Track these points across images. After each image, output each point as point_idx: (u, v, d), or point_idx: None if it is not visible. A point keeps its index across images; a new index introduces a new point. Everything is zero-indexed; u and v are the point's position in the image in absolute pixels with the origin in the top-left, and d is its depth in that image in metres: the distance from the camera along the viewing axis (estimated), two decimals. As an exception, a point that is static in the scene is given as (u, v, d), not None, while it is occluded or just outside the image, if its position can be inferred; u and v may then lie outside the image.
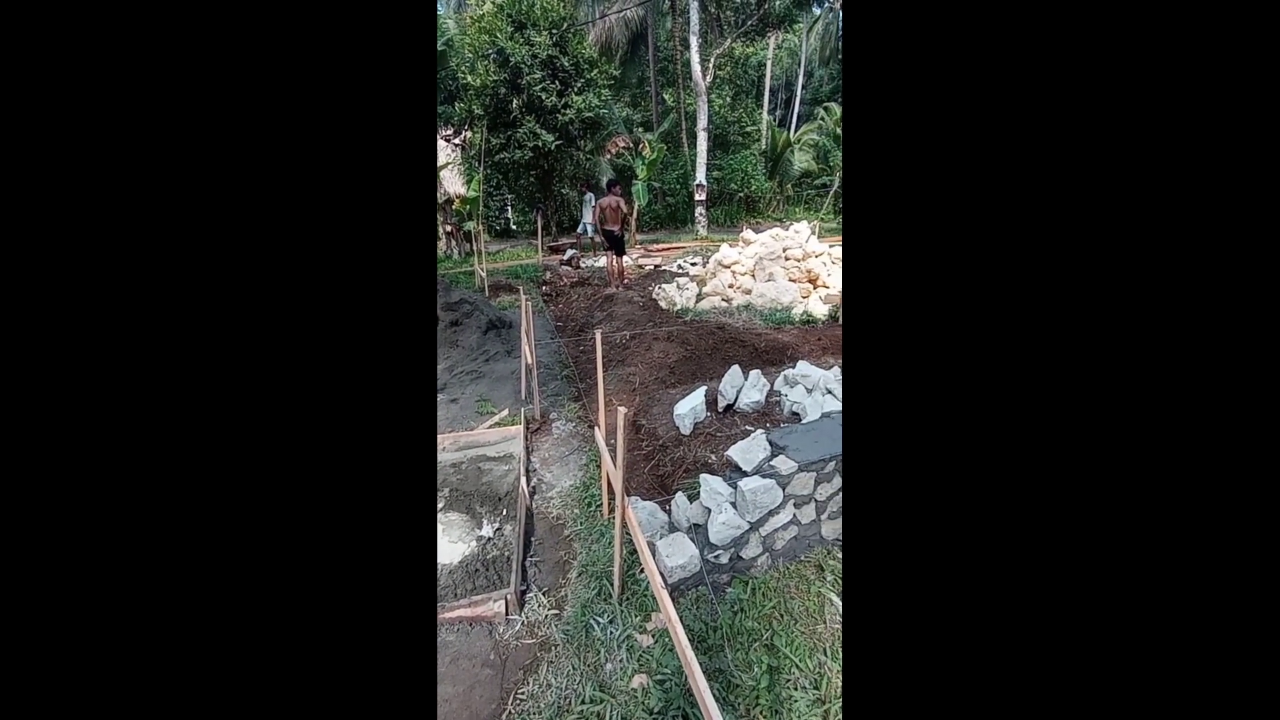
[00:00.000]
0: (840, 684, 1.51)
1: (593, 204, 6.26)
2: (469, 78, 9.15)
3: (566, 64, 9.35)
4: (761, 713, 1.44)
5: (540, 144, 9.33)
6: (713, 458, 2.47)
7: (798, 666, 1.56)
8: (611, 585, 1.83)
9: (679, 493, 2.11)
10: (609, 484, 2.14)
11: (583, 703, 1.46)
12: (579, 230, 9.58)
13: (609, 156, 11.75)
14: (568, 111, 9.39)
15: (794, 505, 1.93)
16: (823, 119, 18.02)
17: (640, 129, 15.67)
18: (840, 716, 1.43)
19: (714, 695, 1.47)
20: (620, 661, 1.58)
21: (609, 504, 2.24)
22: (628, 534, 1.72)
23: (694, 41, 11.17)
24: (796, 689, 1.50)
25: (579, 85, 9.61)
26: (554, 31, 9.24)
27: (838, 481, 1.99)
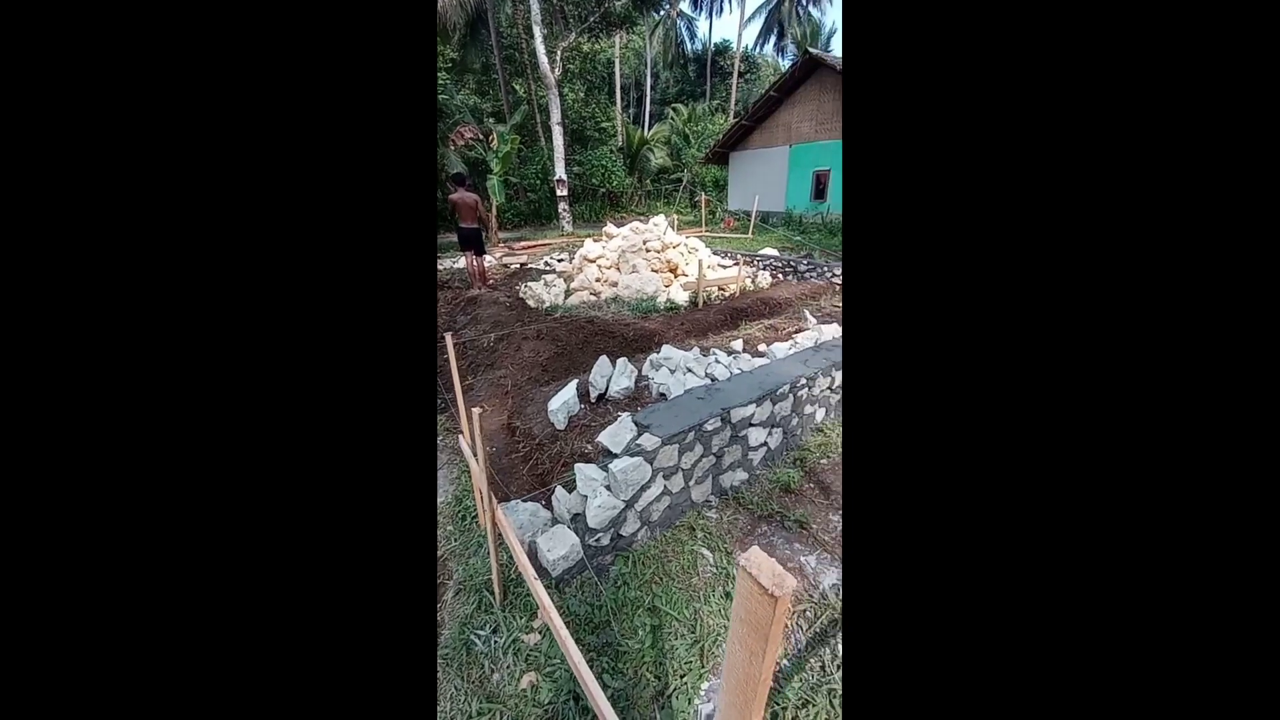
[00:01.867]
0: (713, 622, 1.70)
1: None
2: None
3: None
4: (648, 669, 1.55)
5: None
6: (589, 447, 2.53)
7: (676, 619, 1.72)
8: (492, 595, 1.78)
9: (557, 486, 2.13)
10: (479, 490, 2.07)
11: (470, 718, 1.42)
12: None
13: (455, 148, 10.96)
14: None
15: (663, 477, 2.09)
16: (673, 119, 19.24)
17: (491, 119, 14.91)
18: (709, 650, 1.61)
19: (603, 667, 1.55)
20: (508, 668, 1.56)
21: (483, 511, 2.16)
22: (504, 539, 1.70)
23: (538, 31, 10.97)
24: (677, 638, 1.65)
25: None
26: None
27: (699, 449, 2.21)
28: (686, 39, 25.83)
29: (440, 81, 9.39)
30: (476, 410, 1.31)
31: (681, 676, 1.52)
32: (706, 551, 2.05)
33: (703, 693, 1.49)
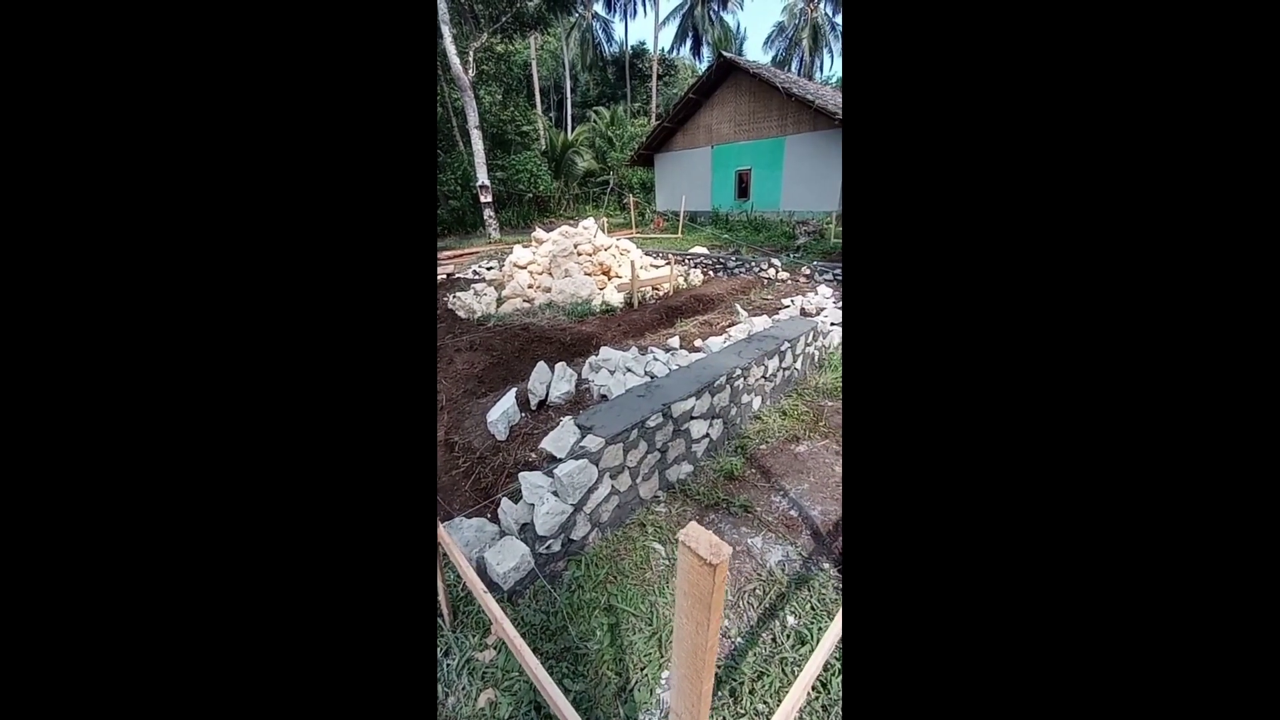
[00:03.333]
0: (669, 613, 1.75)
1: None
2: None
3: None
4: (608, 668, 1.56)
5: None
6: (533, 455, 2.49)
7: (633, 614, 1.74)
8: (441, 618, 1.70)
9: (503, 497, 2.08)
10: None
11: (424, 748, 1.35)
12: None
13: (368, 155, 10.23)
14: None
15: (610, 477, 2.11)
16: (595, 121, 19.27)
17: (403, 124, 14.06)
18: (667, 640, 1.66)
19: (563, 673, 1.54)
20: (463, 689, 1.50)
21: (426, 534, 2.06)
22: (448, 558, 1.63)
23: (446, 31, 10.53)
24: (634, 633, 1.67)
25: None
26: None
27: (644, 446, 2.26)
28: (604, 41, 26.02)
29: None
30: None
31: (642, 669, 1.55)
32: (658, 545, 2.10)
33: (663, 681, 1.53)
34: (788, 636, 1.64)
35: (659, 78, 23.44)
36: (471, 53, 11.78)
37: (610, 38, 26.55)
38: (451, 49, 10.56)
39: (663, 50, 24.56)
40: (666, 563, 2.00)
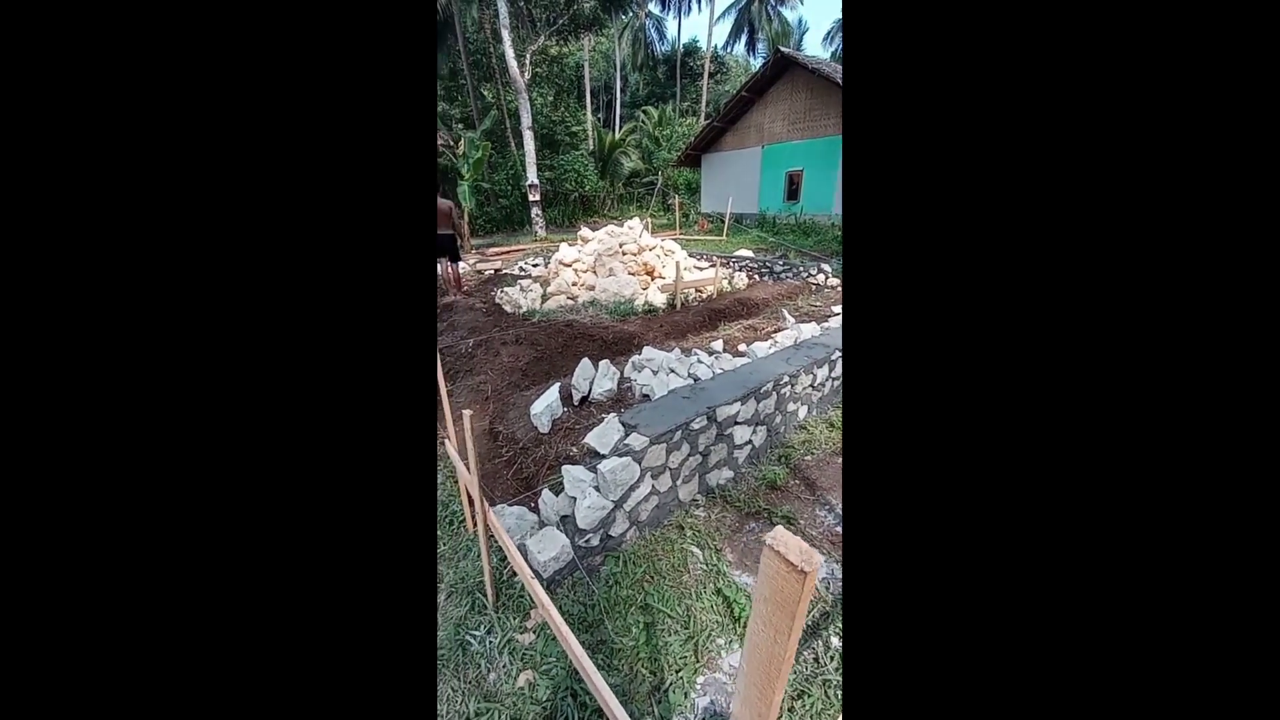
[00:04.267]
0: (706, 619, 1.74)
1: None
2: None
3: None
4: (643, 665, 1.58)
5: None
6: (574, 450, 2.54)
7: (669, 615, 1.75)
8: (485, 597, 1.78)
9: (544, 488, 2.14)
10: (468, 495, 2.06)
11: (467, 718, 1.41)
12: None
13: (428, 153, 10.75)
14: (369, 101, 8.30)
15: (651, 477, 2.13)
16: (643, 121, 19.37)
17: (460, 125, 14.69)
18: (704, 645, 1.66)
19: (598, 664, 1.57)
20: (504, 667, 1.56)
21: (472, 516, 2.15)
22: (495, 541, 1.69)
23: (506, 35, 10.90)
24: (670, 634, 1.68)
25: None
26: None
27: (686, 448, 2.26)
28: (656, 40, 26.06)
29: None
30: (467, 413, 1.31)
31: (677, 671, 1.56)
32: (696, 549, 2.10)
33: (698, 686, 1.53)
34: (831, 658, 1.60)
35: (710, 76, 23.23)
36: (528, 55, 12.13)
37: (663, 36, 26.58)
38: (510, 52, 10.91)
39: (715, 47, 24.31)
40: (704, 568, 2.00)
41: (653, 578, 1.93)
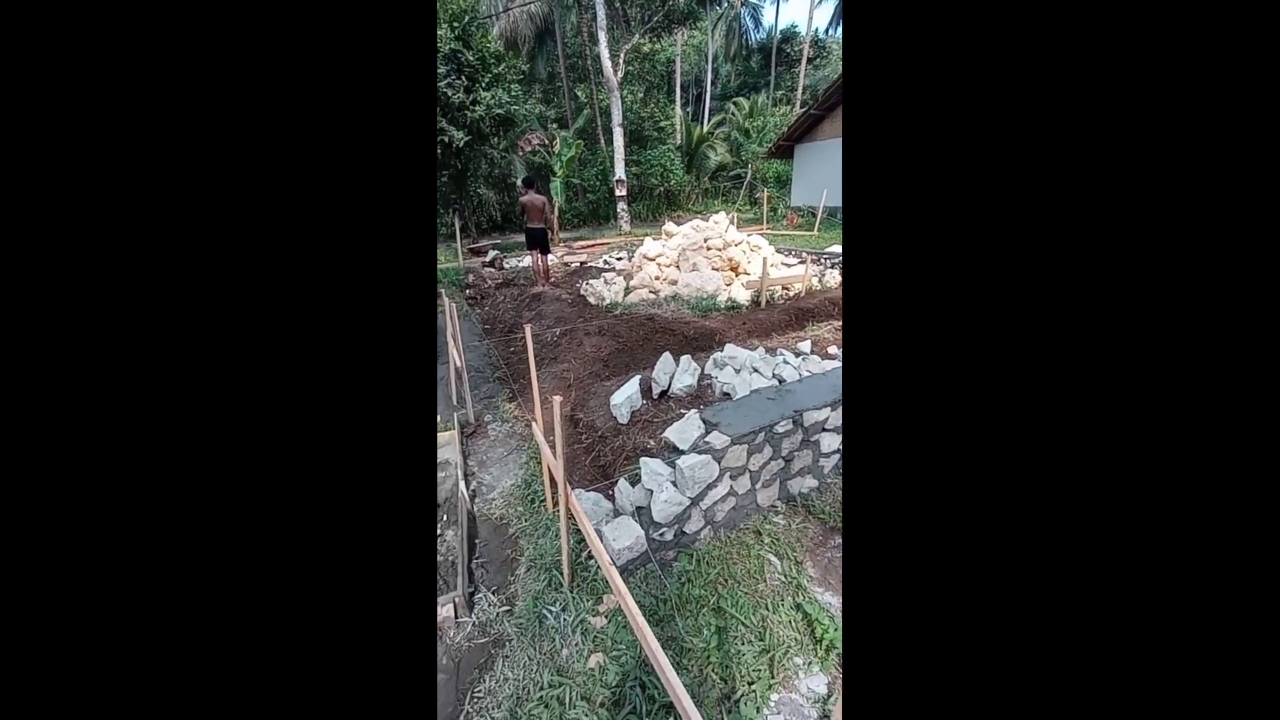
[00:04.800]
0: (783, 634, 1.65)
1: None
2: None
3: (471, 59, 8.97)
4: (713, 670, 1.53)
5: (449, 141, 8.89)
6: (651, 442, 2.55)
7: (743, 624, 1.68)
8: (561, 575, 1.84)
9: (621, 478, 2.16)
10: (550, 477, 2.15)
11: (541, 689, 1.48)
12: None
13: (524, 154, 11.46)
14: (476, 108, 9.02)
15: (730, 477, 2.06)
16: (732, 113, 18.88)
17: (555, 125, 15.40)
18: (780, 661, 1.57)
19: (668, 661, 1.55)
20: (575, 645, 1.61)
21: (553, 497, 2.24)
22: (573, 524, 1.75)
23: (603, 37, 11.18)
24: (744, 643, 1.62)
25: (486, 81, 9.27)
26: (455, 25, 8.81)
27: (768, 451, 2.16)
28: (750, 28, 25.17)
29: (512, 93, 9.85)
30: (557, 399, 1.36)
31: (750, 684, 1.49)
32: (774, 558, 2.00)
33: (772, 704, 1.45)
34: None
35: (809, 61, 21.98)
36: (622, 55, 12.35)
37: (758, 24, 25.61)
38: (605, 53, 11.19)
39: (816, 31, 22.92)
40: (782, 579, 1.89)
41: (726, 581, 1.87)
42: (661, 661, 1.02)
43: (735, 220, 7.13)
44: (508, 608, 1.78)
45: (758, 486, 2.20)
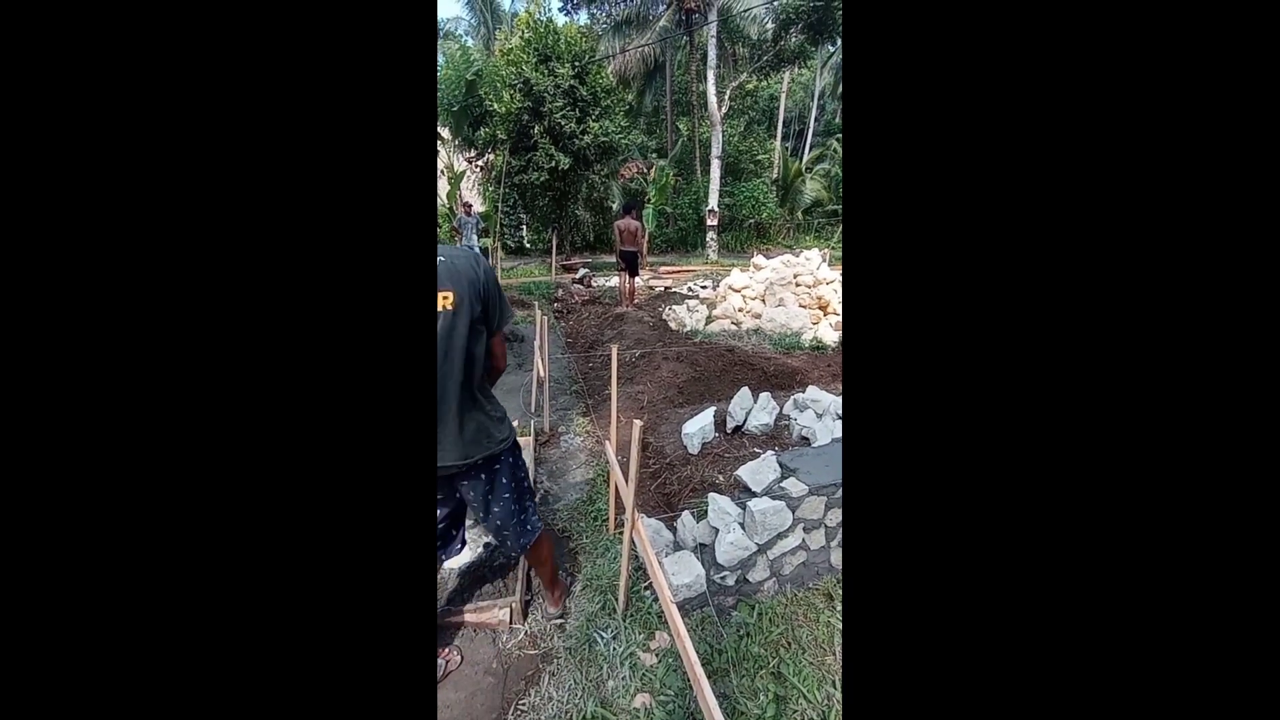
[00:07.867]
0: None
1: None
2: (495, 105, 9.57)
3: (585, 93, 9.73)
4: (767, 741, 1.40)
5: (556, 165, 9.65)
6: (720, 478, 2.46)
7: (805, 698, 1.52)
8: (616, 600, 1.81)
9: (685, 511, 2.10)
10: (617, 498, 2.14)
11: (584, 718, 1.44)
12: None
13: (623, 180, 12.08)
14: (584, 137, 9.72)
15: (803, 530, 1.91)
16: (834, 150, 18.42)
17: (655, 155, 16.06)
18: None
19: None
20: (623, 679, 1.55)
21: (615, 519, 2.23)
22: (633, 550, 1.72)
23: (710, 75, 11.58)
24: None
25: (596, 113, 9.98)
26: (576, 64, 9.66)
27: (847, 506, 1.98)
28: (862, 69, 24.58)
29: (618, 124, 10.52)
30: (638, 422, 1.36)
31: (807, 764, 1.33)
32: (845, 626, 1.80)
33: (832, 794, 1.28)
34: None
35: (923, 102, 20.86)
36: (728, 92, 12.68)
37: (871, 64, 24.92)
38: (712, 90, 11.57)
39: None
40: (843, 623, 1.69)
41: (790, 644, 1.71)
42: (716, 717, 0.95)
43: (829, 258, 6.84)
44: (560, 623, 1.78)
45: (833, 544, 2.02)
